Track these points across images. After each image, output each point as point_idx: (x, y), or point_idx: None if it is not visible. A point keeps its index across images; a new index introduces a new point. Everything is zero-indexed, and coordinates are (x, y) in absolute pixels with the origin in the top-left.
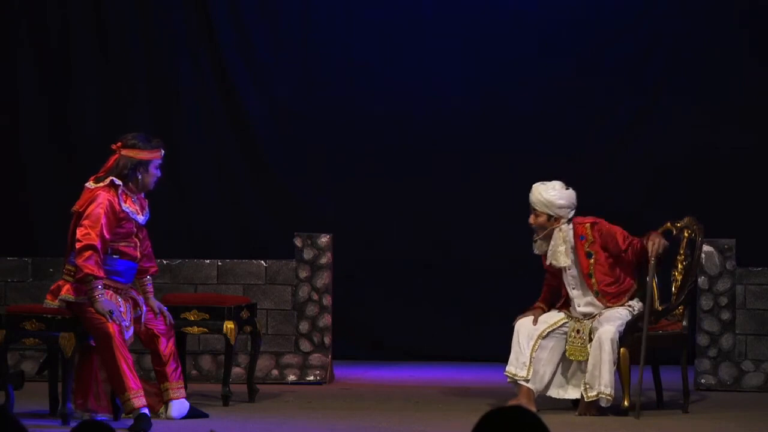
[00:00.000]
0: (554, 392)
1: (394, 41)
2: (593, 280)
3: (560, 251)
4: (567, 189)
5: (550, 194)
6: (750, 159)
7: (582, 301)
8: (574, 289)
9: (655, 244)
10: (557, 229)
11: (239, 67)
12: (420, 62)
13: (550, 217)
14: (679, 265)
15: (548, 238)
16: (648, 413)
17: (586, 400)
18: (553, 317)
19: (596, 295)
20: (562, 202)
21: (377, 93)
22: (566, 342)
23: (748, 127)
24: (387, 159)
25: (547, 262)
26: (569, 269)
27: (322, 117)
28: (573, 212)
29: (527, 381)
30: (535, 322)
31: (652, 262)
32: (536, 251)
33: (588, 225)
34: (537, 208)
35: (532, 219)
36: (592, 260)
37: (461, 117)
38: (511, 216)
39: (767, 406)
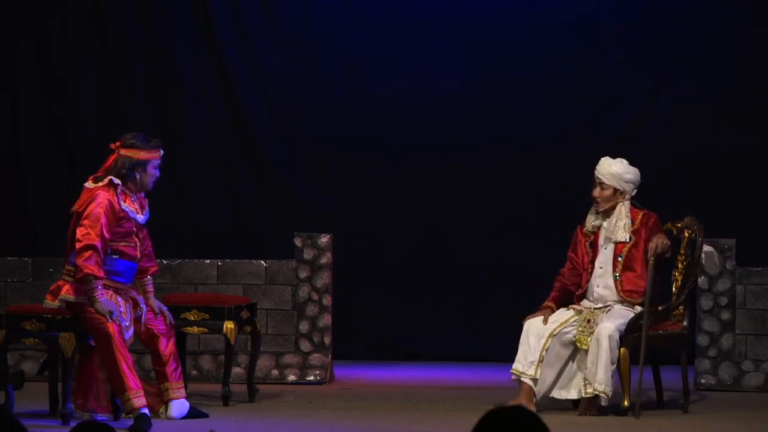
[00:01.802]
0: (556, 393)
1: (394, 41)
2: (620, 262)
3: (620, 225)
4: (632, 166)
5: (619, 167)
6: (750, 159)
7: (602, 283)
8: (602, 267)
9: (653, 243)
10: (620, 204)
11: (239, 67)
12: (420, 62)
13: (616, 190)
14: (679, 265)
15: (608, 213)
16: (648, 413)
17: (584, 395)
18: (563, 315)
19: (615, 278)
20: (629, 176)
21: (377, 93)
22: (576, 333)
23: (748, 127)
24: (387, 159)
25: (605, 237)
26: (606, 250)
27: (322, 117)
28: (636, 190)
29: (535, 381)
30: (545, 321)
31: (651, 261)
32: (589, 227)
33: (641, 214)
34: (605, 180)
35: (597, 192)
36: (629, 244)
37: (461, 117)
38: (512, 216)
39: (767, 406)
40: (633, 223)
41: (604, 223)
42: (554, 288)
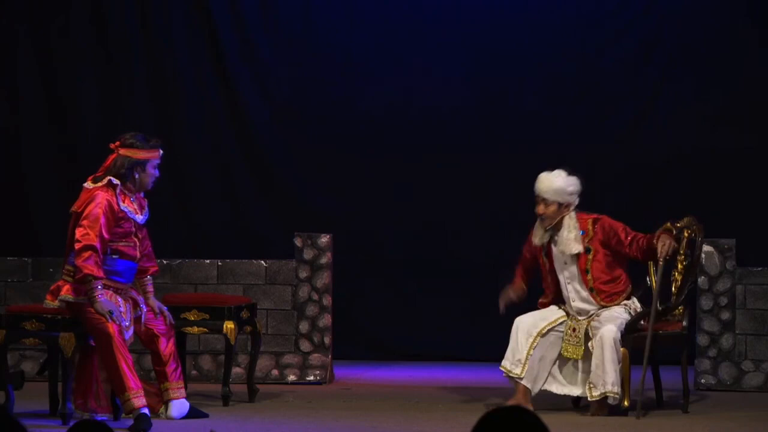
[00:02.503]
0: (548, 386)
1: (394, 41)
2: (589, 276)
3: (571, 238)
4: (570, 176)
5: (561, 182)
6: (750, 159)
7: (577, 297)
8: (569, 284)
9: (665, 245)
10: (567, 217)
11: (239, 67)
12: (420, 62)
13: (560, 205)
14: (679, 265)
15: (557, 227)
16: (648, 413)
17: (590, 399)
18: (553, 314)
19: (591, 291)
20: (572, 188)
21: (377, 93)
22: (562, 340)
23: (748, 127)
24: (387, 159)
25: (558, 250)
26: (567, 264)
27: (322, 117)
28: (578, 199)
29: (521, 379)
30: (515, 296)
31: (661, 263)
32: (537, 242)
33: (590, 221)
34: (547, 197)
35: (541, 209)
36: (590, 256)
37: (461, 117)
38: (512, 216)
39: (767, 406)
40: (585, 233)
41: (555, 237)
42: (518, 268)
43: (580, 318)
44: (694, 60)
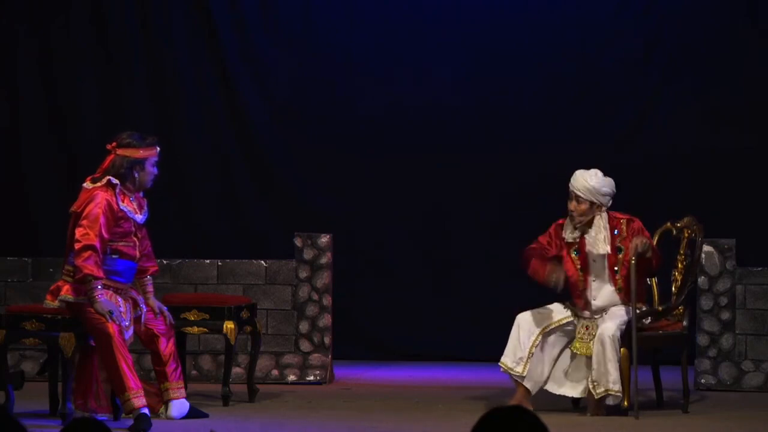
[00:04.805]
0: (550, 387)
1: (394, 41)
2: (618, 276)
3: (600, 238)
4: (606, 177)
5: (594, 181)
6: (750, 159)
7: (599, 294)
8: (595, 281)
9: (633, 243)
10: (598, 216)
11: (239, 67)
12: (420, 62)
13: (592, 204)
14: (679, 265)
15: (587, 225)
16: (648, 413)
17: (595, 397)
18: (558, 313)
19: (619, 291)
20: (605, 189)
21: (377, 93)
22: (574, 338)
23: (748, 127)
24: (387, 159)
25: (587, 250)
26: (596, 262)
27: (323, 117)
28: (611, 200)
29: (522, 378)
30: (560, 280)
31: (632, 261)
32: (567, 238)
33: (624, 221)
34: (581, 195)
35: (573, 206)
36: (620, 255)
37: (461, 117)
38: (512, 216)
39: (767, 406)
40: (618, 233)
41: (586, 236)
42: (536, 260)
43: (595, 317)
44: (694, 60)
